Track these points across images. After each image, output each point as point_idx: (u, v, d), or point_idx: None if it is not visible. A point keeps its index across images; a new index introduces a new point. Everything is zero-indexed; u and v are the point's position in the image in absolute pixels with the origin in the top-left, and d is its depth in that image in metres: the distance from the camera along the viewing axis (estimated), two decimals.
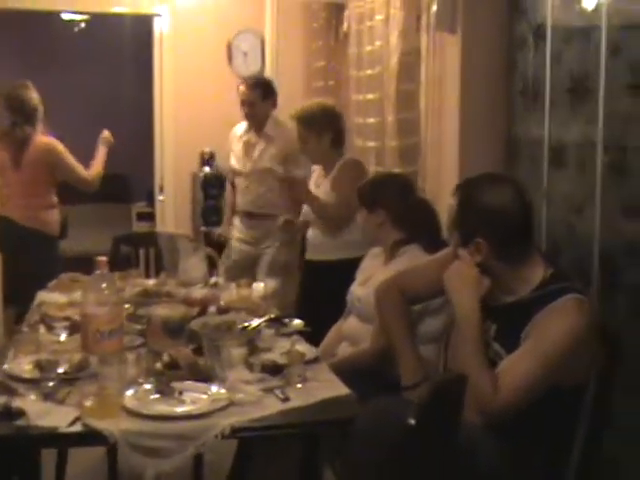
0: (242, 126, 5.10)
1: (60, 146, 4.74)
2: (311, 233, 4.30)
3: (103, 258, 2.51)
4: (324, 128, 4.20)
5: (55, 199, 4.81)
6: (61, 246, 4.96)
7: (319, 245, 4.22)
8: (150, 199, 7.41)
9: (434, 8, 4.23)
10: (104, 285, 2.49)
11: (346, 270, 3.48)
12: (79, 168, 4.78)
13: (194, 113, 6.13)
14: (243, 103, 4.96)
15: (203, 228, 5.97)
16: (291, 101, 5.96)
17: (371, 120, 5.12)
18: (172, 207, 6.34)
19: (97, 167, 4.90)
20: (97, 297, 2.47)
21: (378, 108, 5.03)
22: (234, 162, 5.08)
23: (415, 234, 3.20)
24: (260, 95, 4.94)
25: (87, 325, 2.50)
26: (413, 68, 4.61)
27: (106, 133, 5.04)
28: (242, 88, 4.98)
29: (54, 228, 4.79)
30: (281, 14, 6.11)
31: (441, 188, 4.34)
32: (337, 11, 5.92)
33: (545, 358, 2.18)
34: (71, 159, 4.75)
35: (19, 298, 5.11)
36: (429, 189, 4.39)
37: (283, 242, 4.92)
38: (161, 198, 6.38)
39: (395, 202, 3.25)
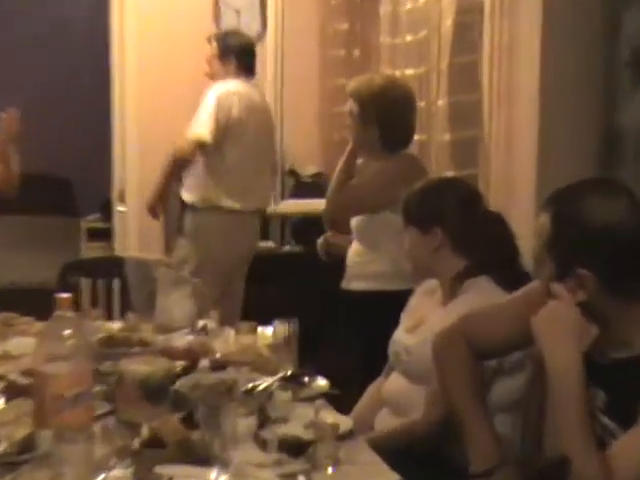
0: None
1: None
2: (351, 248, 4.33)
3: (66, 295, 2.48)
4: (371, 117, 4.19)
5: None
6: None
7: (357, 266, 4.26)
8: (106, 211, 7.46)
9: None
10: (67, 332, 2.45)
11: (388, 307, 3.48)
12: None
13: (167, 96, 6.17)
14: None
15: None
16: (300, 77, 6.02)
17: None
18: (136, 221, 6.38)
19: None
20: (57, 349, 2.44)
21: (422, 88, 5.06)
22: None
23: (484, 262, 3.19)
24: (217, 52, 5.37)
25: (43, 388, 2.46)
26: (473, 32, 4.63)
27: None
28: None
29: None
30: None
31: (511, 198, 4.36)
32: None
33: None
34: None
35: None
36: (494, 200, 4.39)
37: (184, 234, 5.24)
38: (121, 209, 6.44)
39: (456, 217, 3.24)
